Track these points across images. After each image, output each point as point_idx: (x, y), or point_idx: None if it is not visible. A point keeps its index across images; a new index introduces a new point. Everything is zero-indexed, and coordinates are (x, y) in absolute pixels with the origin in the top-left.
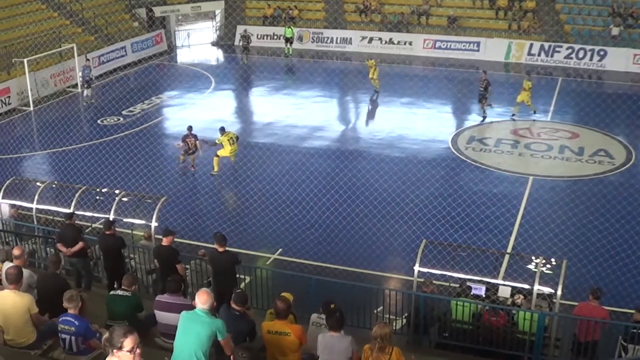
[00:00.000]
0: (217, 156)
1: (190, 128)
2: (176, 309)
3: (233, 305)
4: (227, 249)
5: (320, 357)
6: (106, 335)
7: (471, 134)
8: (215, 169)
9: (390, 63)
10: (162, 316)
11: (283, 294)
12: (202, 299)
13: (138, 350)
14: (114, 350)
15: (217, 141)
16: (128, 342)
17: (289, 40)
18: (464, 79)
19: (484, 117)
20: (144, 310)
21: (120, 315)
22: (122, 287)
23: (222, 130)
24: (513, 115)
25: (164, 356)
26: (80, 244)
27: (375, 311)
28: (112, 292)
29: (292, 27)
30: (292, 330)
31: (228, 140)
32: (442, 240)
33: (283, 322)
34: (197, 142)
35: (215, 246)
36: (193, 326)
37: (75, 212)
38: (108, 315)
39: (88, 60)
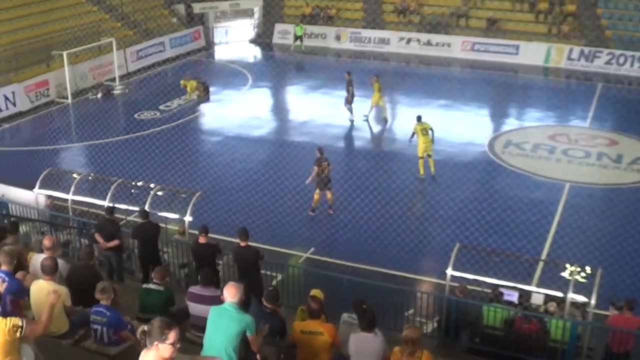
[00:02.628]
0: (420, 158)
1: (321, 150)
2: (208, 301)
3: (264, 303)
4: (249, 244)
5: (352, 357)
6: (143, 327)
7: (508, 138)
8: (421, 172)
9: (428, 64)
10: (193, 308)
11: (313, 291)
12: (231, 293)
13: (178, 345)
14: (155, 343)
15: (413, 131)
16: (173, 335)
17: (299, 38)
18: (502, 82)
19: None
20: (175, 304)
21: (152, 309)
22: (154, 280)
23: (419, 119)
24: (366, 116)
25: (195, 350)
26: (116, 241)
27: (406, 314)
28: (144, 286)
29: (301, 25)
30: (326, 330)
31: (421, 130)
32: (476, 245)
33: (316, 322)
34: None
35: (238, 241)
36: (222, 322)
37: (115, 206)
38: (140, 308)
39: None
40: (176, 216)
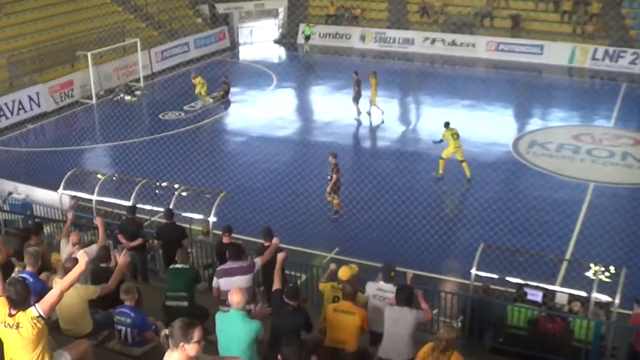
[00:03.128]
0: (442, 158)
1: (335, 155)
2: (238, 271)
3: (286, 300)
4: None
5: (386, 330)
6: (165, 332)
7: (533, 138)
8: (440, 171)
9: (453, 65)
10: (224, 283)
11: (350, 265)
12: (236, 300)
13: (202, 343)
14: (181, 344)
15: (442, 137)
16: (197, 333)
17: (307, 39)
18: (526, 82)
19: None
20: (201, 281)
21: (180, 287)
22: (178, 262)
23: (447, 125)
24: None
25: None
26: (139, 240)
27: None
28: (171, 266)
29: (310, 25)
30: (358, 312)
31: (452, 135)
32: (500, 244)
33: (350, 303)
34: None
35: (261, 241)
36: (231, 330)
37: (137, 206)
38: (168, 287)
39: (118, 87)
40: (200, 216)
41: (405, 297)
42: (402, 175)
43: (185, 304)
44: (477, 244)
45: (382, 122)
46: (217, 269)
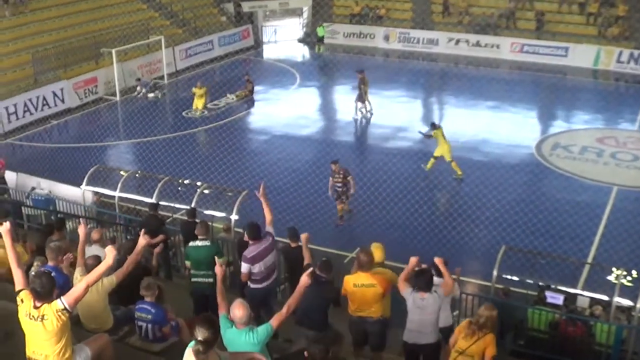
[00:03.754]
0: (451, 161)
1: (336, 162)
2: (266, 252)
3: (318, 273)
4: (299, 244)
5: (410, 316)
6: (198, 347)
7: (556, 141)
8: (459, 172)
9: (477, 66)
10: (256, 267)
11: (374, 244)
12: (238, 315)
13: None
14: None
15: (432, 134)
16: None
17: (320, 40)
18: (551, 84)
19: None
20: (223, 255)
21: (203, 264)
22: (199, 237)
23: (435, 126)
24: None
25: None
26: (161, 237)
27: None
28: (191, 244)
29: (323, 26)
30: (377, 281)
31: (442, 134)
32: (522, 247)
33: (367, 274)
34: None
35: (286, 240)
36: (239, 343)
37: (159, 203)
38: (192, 265)
39: (139, 79)
40: (222, 214)
41: (426, 282)
42: (424, 176)
43: (210, 280)
44: (499, 246)
45: (364, 119)
46: (248, 256)
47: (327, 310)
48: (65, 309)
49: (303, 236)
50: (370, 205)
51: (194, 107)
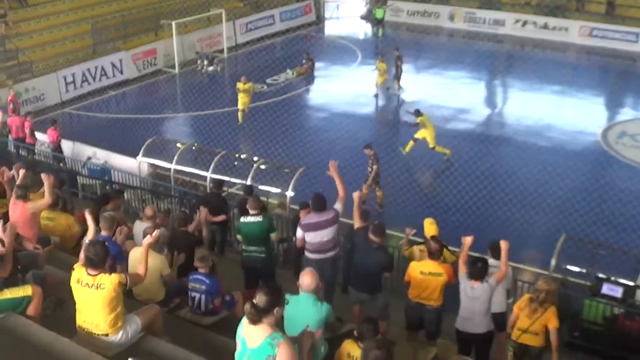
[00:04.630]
0: (435, 146)
1: (369, 147)
2: (324, 224)
3: (371, 237)
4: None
5: (462, 305)
6: (247, 306)
7: (623, 129)
8: (447, 152)
9: (544, 49)
10: (311, 237)
11: (427, 219)
12: (306, 282)
13: (279, 310)
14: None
15: (418, 121)
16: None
17: (379, 22)
18: (619, 70)
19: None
20: (275, 230)
21: (254, 239)
22: (250, 212)
23: (419, 112)
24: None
25: None
26: (222, 217)
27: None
28: (242, 220)
29: (383, 7)
30: (445, 270)
31: (427, 120)
32: (582, 237)
33: (436, 263)
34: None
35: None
36: (300, 315)
37: (224, 180)
38: (243, 240)
39: (197, 52)
40: (278, 190)
41: (479, 270)
42: (485, 159)
43: (262, 255)
44: (558, 235)
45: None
46: (302, 222)
47: (380, 275)
48: (125, 284)
49: (356, 195)
50: (429, 187)
51: (239, 106)
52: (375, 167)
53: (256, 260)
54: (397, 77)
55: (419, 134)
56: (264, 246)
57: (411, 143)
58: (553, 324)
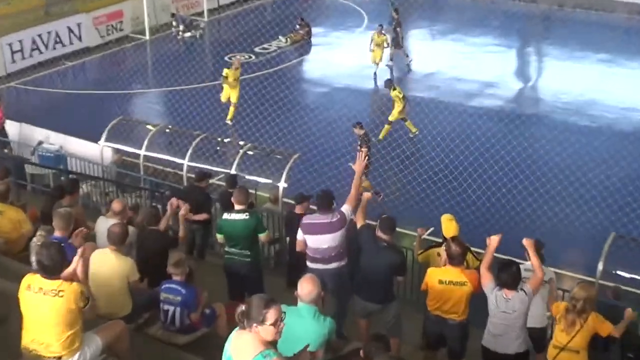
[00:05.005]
0: (389, 123)
1: (360, 125)
2: (323, 228)
3: (379, 234)
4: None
5: (490, 319)
6: (241, 308)
7: None
8: (413, 130)
9: (587, 9)
10: (311, 240)
11: (444, 215)
12: (306, 290)
13: (282, 324)
14: (254, 325)
15: (392, 95)
16: (271, 315)
17: None
18: None
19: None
20: (266, 230)
21: (239, 240)
22: (236, 207)
23: (392, 85)
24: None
25: None
26: (205, 215)
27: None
28: (225, 217)
29: None
30: (469, 278)
31: (400, 98)
32: (636, 236)
33: (458, 270)
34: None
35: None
36: (298, 330)
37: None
38: (226, 241)
39: (173, 14)
40: (268, 181)
41: (512, 277)
42: (517, 142)
43: (247, 259)
44: (606, 234)
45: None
46: (303, 221)
47: (391, 280)
48: (87, 297)
49: (365, 195)
50: (449, 177)
51: (222, 97)
52: (364, 149)
53: (241, 265)
54: (399, 44)
55: (392, 116)
56: (250, 249)
57: (387, 127)
58: (606, 329)
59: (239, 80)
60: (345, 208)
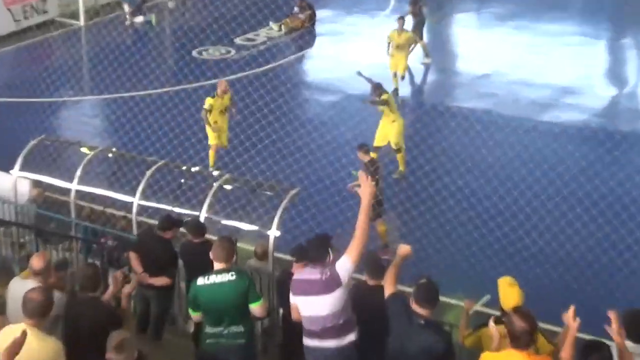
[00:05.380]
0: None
1: (366, 150)
2: (311, 288)
3: (415, 308)
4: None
5: None
6: None
7: None
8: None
9: None
10: (303, 305)
11: (504, 279)
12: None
13: None
14: None
15: (378, 99)
16: None
17: None
18: None
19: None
20: (260, 298)
21: (225, 315)
22: (216, 268)
23: (380, 88)
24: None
25: None
26: (165, 280)
27: None
28: (200, 280)
29: None
30: None
31: (393, 104)
32: None
33: (525, 354)
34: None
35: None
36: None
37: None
38: (204, 317)
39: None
40: (254, 228)
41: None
42: (608, 173)
43: (239, 340)
44: None
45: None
46: (293, 278)
47: None
48: None
49: (403, 249)
50: (510, 223)
51: (210, 140)
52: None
53: (229, 350)
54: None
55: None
56: (242, 324)
57: (400, 156)
58: None
59: (229, 110)
60: (343, 261)
